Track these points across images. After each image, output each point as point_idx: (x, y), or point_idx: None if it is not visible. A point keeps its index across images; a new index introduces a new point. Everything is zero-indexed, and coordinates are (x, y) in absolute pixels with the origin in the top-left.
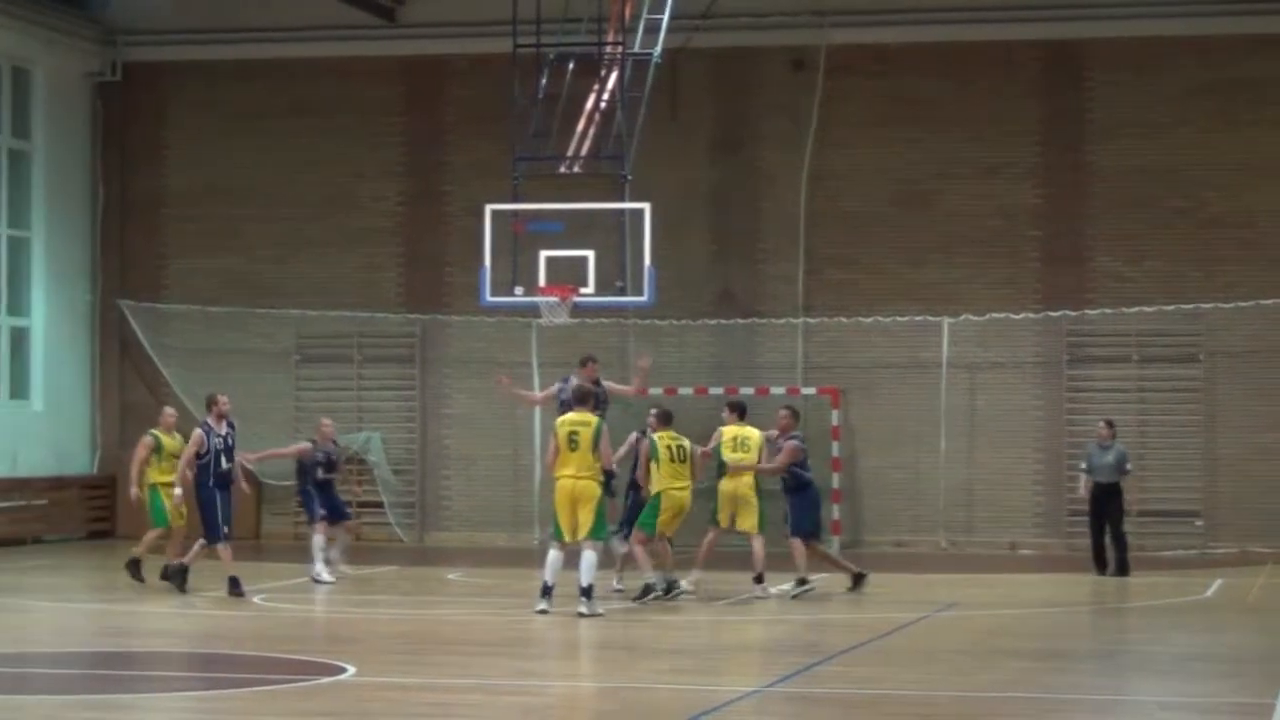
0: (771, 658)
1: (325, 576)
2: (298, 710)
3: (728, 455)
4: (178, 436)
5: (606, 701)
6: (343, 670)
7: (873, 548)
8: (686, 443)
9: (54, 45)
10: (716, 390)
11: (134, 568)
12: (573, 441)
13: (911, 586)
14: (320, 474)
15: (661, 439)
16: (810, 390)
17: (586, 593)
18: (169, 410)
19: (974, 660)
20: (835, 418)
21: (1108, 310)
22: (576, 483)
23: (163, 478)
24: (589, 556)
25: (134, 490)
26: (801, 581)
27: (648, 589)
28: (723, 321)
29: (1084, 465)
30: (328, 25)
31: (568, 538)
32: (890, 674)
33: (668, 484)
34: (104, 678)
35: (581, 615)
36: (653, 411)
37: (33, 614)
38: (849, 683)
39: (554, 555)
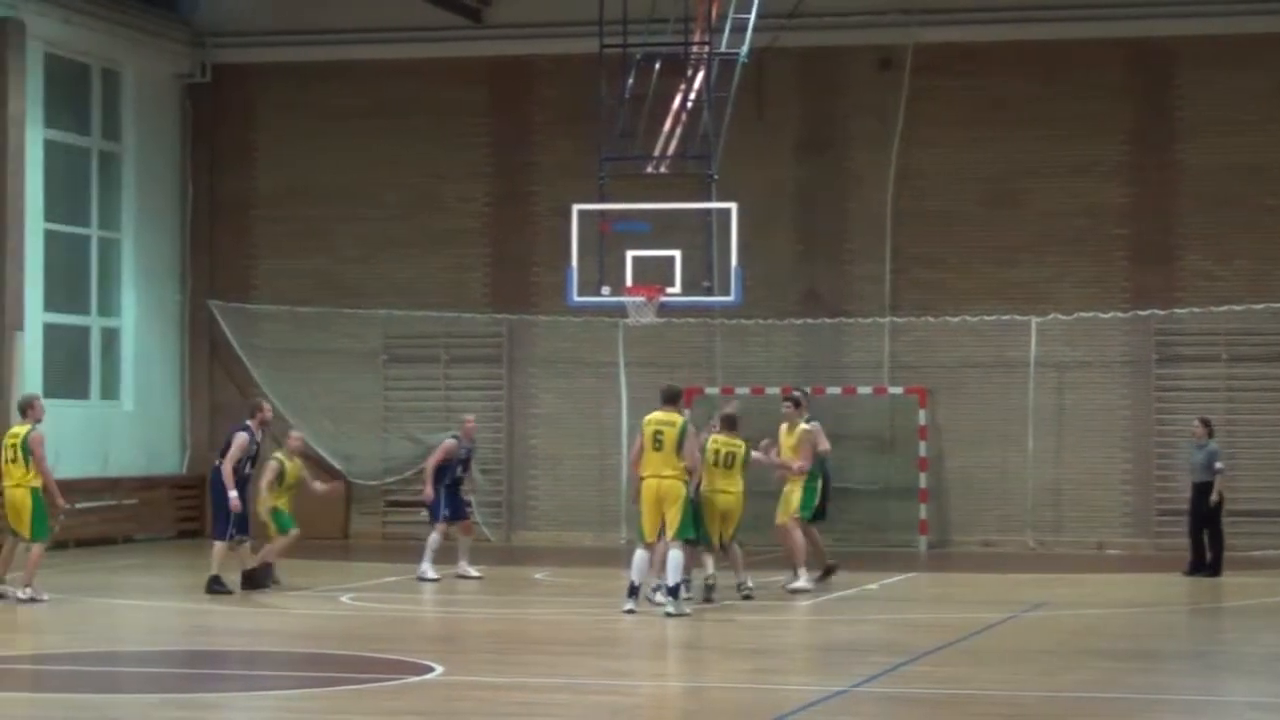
0: (857, 657)
1: (431, 574)
2: (386, 709)
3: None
4: (298, 461)
5: (693, 701)
6: (431, 669)
7: (960, 547)
8: (740, 449)
9: (143, 47)
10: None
11: (260, 575)
12: (658, 441)
13: (999, 586)
14: (459, 471)
15: (714, 442)
16: (897, 390)
17: (674, 591)
18: (295, 434)
19: (1061, 660)
20: (922, 417)
21: (1196, 309)
22: (661, 482)
23: (280, 500)
24: (675, 556)
25: (263, 511)
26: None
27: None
28: (809, 321)
29: (1220, 465)
30: (415, 27)
31: (651, 538)
32: (977, 674)
33: (709, 487)
34: (194, 676)
35: (669, 615)
36: (718, 413)
37: (123, 613)
38: (935, 683)
39: (640, 555)
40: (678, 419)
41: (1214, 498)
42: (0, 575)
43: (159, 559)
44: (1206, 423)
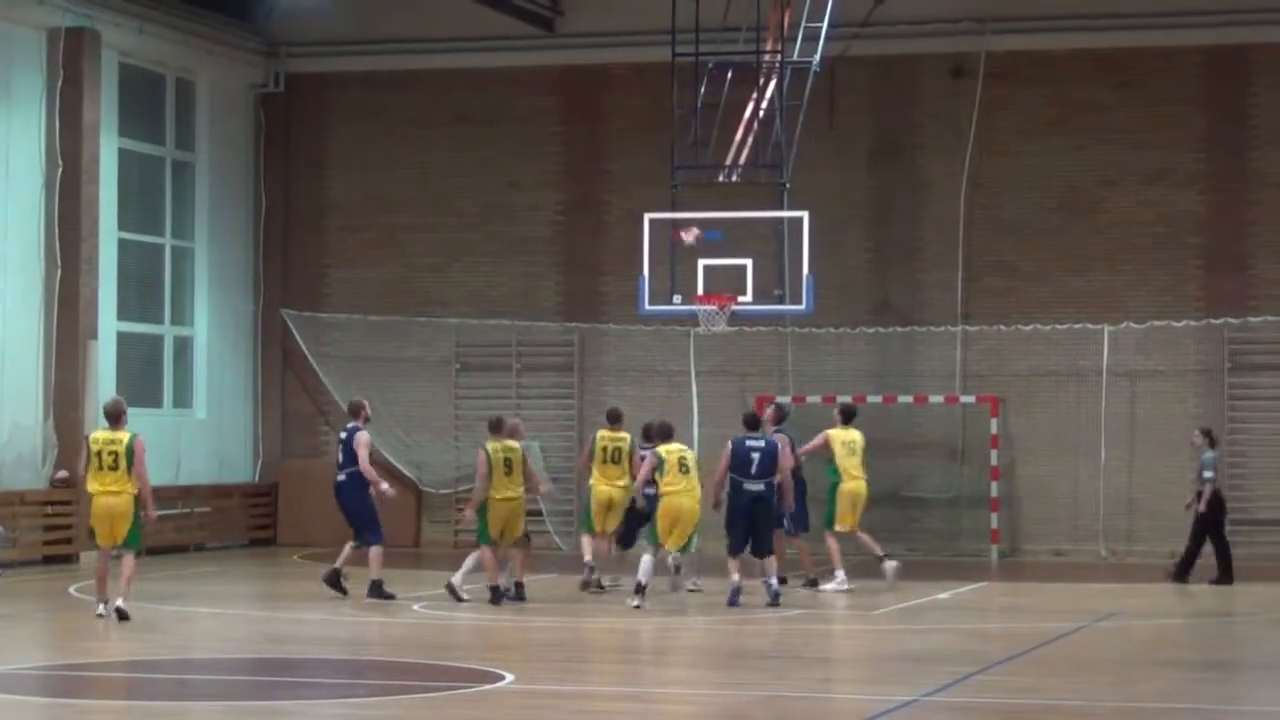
0: (929, 667)
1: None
2: (458, 718)
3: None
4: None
5: (762, 710)
6: (501, 678)
7: (1031, 556)
8: (625, 442)
9: (217, 57)
10: (875, 398)
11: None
12: (683, 465)
13: (1070, 596)
14: None
15: (602, 439)
16: (969, 398)
17: (639, 589)
18: (513, 421)
19: (1134, 671)
20: (994, 426)
21: (1270, 317)
22: (614, 491)
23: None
24: (646, 560)
25: (469, 513)
26: (813, 582)
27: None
28: (881, 330)
29: (1209, 475)
30: (487, 36)
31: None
32: (1049, 684)
33: (597, 478)
34: (265, 684)
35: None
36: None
37: (196, 621)
38: (1008, 692)
39: (646, 559)
40: (626, 436)
41: (1200, 506)
42: (108, 594)
43: (231, 567)
44: (1208, 432)
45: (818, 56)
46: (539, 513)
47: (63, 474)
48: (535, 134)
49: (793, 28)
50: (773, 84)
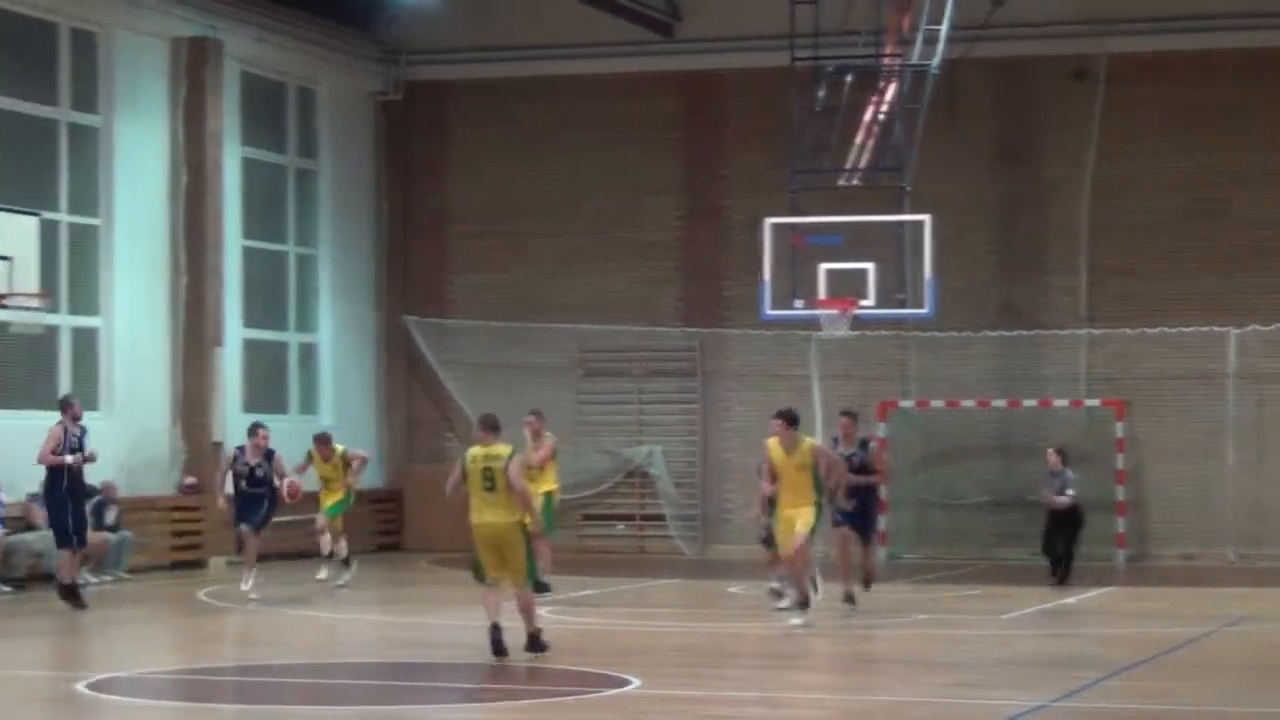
0: (1056, 672)
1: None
2: None
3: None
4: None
5: (889, 715)
6: (628, 682)
7: (1159, 561)
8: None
9: (338, 65)
10: (999, 403)
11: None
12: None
13: (1199, 600)
14: None
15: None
16: (1094, 402)
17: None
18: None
19: (1264, 676)
20: (1120, 430)
21: None
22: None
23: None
24: None
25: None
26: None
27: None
28: (1004, 333)
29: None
30: (607, 41)
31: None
32: (1179, 689)
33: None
34: (393, 689)
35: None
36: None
37: (324, 626)
38: (1138, 698)
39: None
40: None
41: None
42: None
43: (359, 571)
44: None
45: (937, 59)
46: (660, 517)
47: (191, 480)
48: (655, 140)
49: (912, 31)
50: (893, 87)
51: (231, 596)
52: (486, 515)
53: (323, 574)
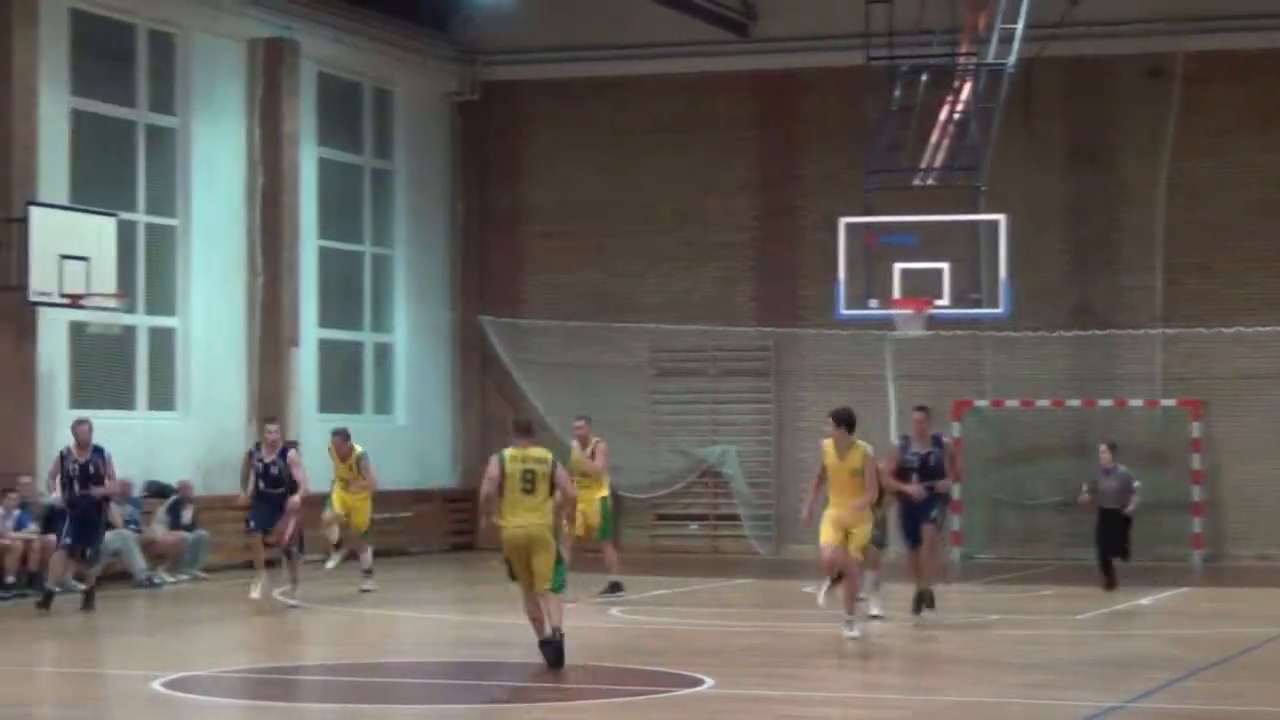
0: (1132, 673)
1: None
2: None
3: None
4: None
5: (963, 715)
6: (701, 682)
7: (1236, 561)
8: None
9: (413, 66)
10: (1074, 403)
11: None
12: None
13: (1276, 601)
14: None
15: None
16: (1170, 402)
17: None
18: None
19: None
20: (1196, 430)
21: None
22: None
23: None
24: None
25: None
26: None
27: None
28: (1079, 333)
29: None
30: (682, 42)
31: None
32: (1257, 690)
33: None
34: (462, 688)
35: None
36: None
37: (396, 624)
38: (1214, 699)
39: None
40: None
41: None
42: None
43: (432, 572)
44: (1113, 446)
45: (1013, 58)
46: (735, 517)
47: None
48: (730, 139)
49: (987, 30)
50: (968, 87)
51: (309, 596)
52: (521, 517)
53: (331, 563)
